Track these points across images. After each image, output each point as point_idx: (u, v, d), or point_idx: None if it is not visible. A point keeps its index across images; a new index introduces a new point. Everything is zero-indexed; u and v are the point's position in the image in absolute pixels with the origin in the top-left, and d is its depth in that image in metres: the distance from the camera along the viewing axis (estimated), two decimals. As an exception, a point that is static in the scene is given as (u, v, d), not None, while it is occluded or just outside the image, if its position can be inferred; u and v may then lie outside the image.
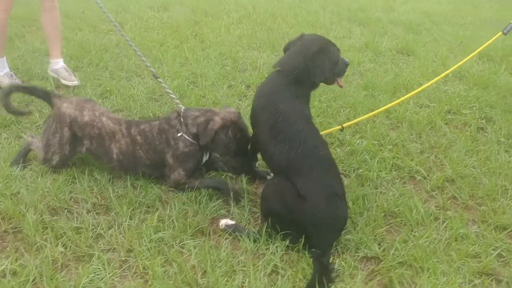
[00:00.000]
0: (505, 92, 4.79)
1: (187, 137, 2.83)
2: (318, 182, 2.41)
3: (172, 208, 2.72)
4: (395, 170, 3.29)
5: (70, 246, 2.42)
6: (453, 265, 2.41)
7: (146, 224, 2.57)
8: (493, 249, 2.54)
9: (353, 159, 3.36)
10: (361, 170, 3.21)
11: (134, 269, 2.31)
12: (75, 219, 2.62)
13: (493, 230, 2.71)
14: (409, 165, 3.33)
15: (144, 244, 2.43)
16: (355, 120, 3.62)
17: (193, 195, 2.85)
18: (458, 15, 8.67)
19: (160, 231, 2.53)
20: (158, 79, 3.49)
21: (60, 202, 2.75)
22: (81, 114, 2.95)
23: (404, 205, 2.86)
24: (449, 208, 2.93)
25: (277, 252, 2.40)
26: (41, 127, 3.61)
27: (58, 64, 4.37)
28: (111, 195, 2.79)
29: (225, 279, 2.24)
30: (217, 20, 7.03)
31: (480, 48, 3.78)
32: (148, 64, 3.62)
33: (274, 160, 2.52)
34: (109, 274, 2.25)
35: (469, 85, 4.94)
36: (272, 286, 2.24)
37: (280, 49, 5.93)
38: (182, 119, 2.84)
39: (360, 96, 4.46)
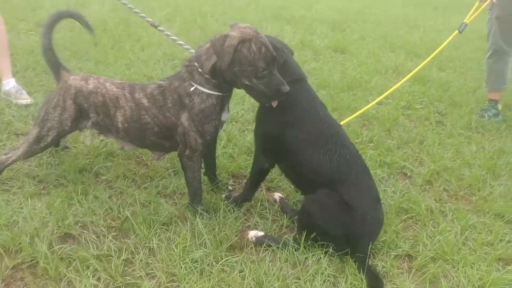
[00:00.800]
0: (443, 87, 5.21)
1: (202, 88, 2.46)
2: (365, 188, 2.44)
3: (196, 224, 2.56)
4: (386, 167, 3.41)
5: (103, 277, 2.17)
6: (476, 255, 2.57)
7: (176, 244, 2.39)
8: (501, 236, 2.76)
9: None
10: (357, 169, 3.29)
11: (184, 294, 2.15)
12: (92, 246, 2.36)
13: (493, 218, 2.95)
14: (395, 161, 3.48)
15: (184, 265, 2.26)
16: (354, 115, 3.71)
17: (211, 207, 2.73)
18: (370, 13, 9.21)
19: (193, 251, 2.37)
20: (159, 28, 3.18)
21: (66, 228, 2.45)
22: (86, 83, 2.66)
23: (409, 201, 2.99)
24: (446, 201, 3.12)
25: (321, 260, 2.37)
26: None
27: (9, 84, 3.89)
28: (127, 215, 2.57)
29: (284, 294, 2.18)
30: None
31: (442, 46, 4.04)
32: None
33: (321, 171, 2.43)
34: (161, 304, 2.07)
35: (411, 81, 5.28)
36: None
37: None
38: (196, 63, 2.46)
39: (320, 95, 4.55)
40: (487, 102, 4.67)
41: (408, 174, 3.39)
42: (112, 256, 2.29)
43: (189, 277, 2.20)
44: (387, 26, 8.24)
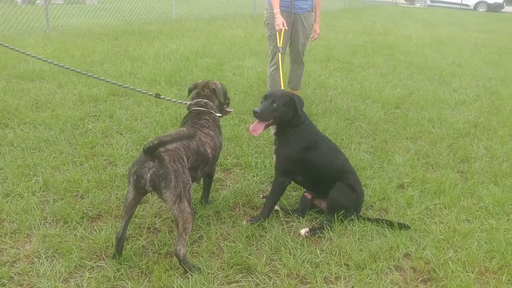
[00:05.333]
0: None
1: (219, 115, 3.79)
2: (354, 172, 3.93)
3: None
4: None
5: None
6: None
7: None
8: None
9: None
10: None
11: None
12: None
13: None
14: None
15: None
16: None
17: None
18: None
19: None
20: (161, 97, 3.96)
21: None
22: (187, 142, 3.25)
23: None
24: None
25: (346, 224, 3.70)
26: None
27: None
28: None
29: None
30: None
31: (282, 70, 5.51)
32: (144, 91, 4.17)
33: (334, 171, 3.72)
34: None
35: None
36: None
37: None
38: (210, 103, 3.72)
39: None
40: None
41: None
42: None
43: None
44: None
